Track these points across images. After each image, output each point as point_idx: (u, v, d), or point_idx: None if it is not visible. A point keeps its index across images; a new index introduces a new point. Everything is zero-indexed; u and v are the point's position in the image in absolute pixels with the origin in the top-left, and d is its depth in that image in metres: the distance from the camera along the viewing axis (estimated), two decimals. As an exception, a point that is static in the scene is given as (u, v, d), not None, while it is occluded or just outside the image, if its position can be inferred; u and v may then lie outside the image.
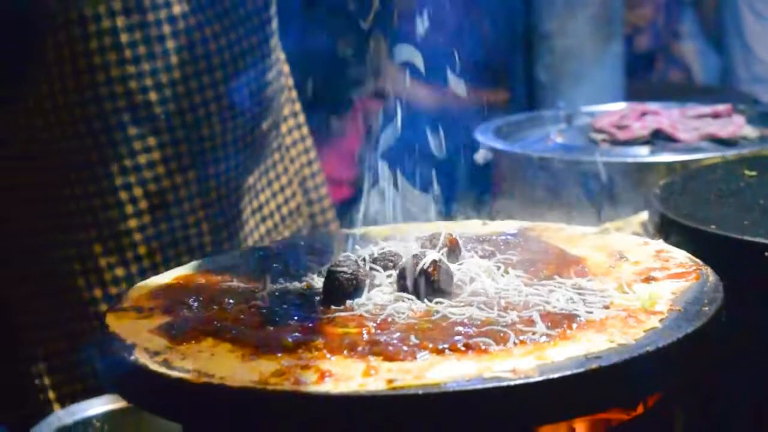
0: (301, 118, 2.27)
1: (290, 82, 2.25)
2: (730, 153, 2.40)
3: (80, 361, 2.02)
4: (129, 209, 1.98)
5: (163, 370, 1.23)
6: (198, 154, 2.01)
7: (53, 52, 1.90)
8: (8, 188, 2.00)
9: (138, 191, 1.98)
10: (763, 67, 6.17)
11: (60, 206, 1.96)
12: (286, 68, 2.25)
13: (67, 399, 1.94)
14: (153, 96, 1.95)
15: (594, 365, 1.17)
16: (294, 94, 2.27)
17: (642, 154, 2.51)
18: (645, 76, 6.27)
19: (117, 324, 1.39)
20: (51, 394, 2.02)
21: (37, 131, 1.94)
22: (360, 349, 1.24)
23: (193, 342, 1.31)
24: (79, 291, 2.00)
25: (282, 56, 2.23)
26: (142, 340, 1.33)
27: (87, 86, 1.92)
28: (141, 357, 1.27)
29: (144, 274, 1.98)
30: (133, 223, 1.99)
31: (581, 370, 1.16)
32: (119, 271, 2.00)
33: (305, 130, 2.28)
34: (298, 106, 2.27)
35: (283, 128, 2.22)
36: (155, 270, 1.98)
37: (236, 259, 1.64)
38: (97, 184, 1.96)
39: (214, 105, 2.01)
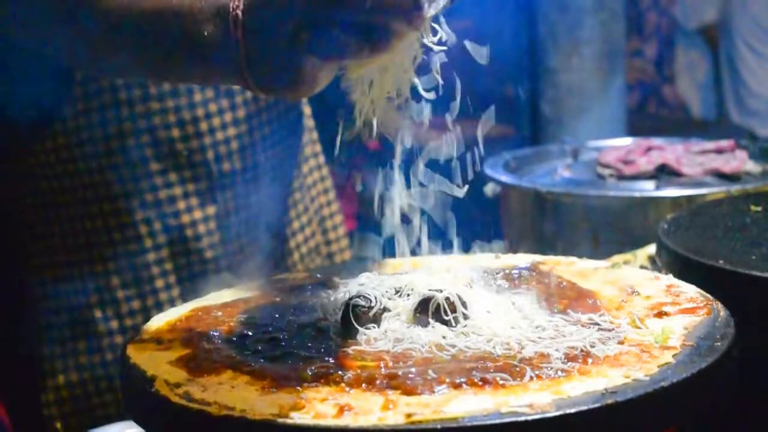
0: (321, 158, 2.26)
1: (311, 123, 2.24)
2: (735, 188, 2.40)
3: (89, 393, 2.01)
4: (148, 243, 1.97)
5: (184, 402, 1.22)
6: (218, 190, 2.00)
7: (80, 88, 1.89)
8: (29, 224, 1.99)
9: (157, 225, 1.97)
10: (759, 101, 6.19)
11: (79, 239, 1.96)
12: (307, 110, 2.24)
13: (74, 430, 1.92)
14: (175, 133, 1.95)
15: (610, 400, 1.15)
16: (315, 135, 2.26)
17: (648, 188, 2.51)
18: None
19: (137, 355, 1.38)
20: (58, 425, 2.01)
21: (62, 165, 1.93)
22: (378, 382, 1.23)
23: (213, 374, 1.30)
24: (96, 323, 1.99)
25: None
26: (163, 371, 1.32)
27: (112, 121, 1.91)
28: (162, 389, 1.26)
29: (160, 307, 1.97)
30: (151, 256, 1.98)
31: (597, 405, 1.15)
32: (136, 304, 1.99)
33: (325, 170, 2.28)
34: (318, 147, 2.26)
35: (304, 168, 2.21)
36: (172, 303, 1.97)
37: (254, 291, 1.62)
38: (117, 217, 1.96)
39: (235, 142, 2.00)
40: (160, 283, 1.99)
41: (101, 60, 1.54)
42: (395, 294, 1.45)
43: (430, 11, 1.29)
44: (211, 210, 2.00)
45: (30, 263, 1.99)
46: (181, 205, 1.97)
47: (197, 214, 1.99)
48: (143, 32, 1.46)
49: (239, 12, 1.35)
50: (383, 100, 1.39)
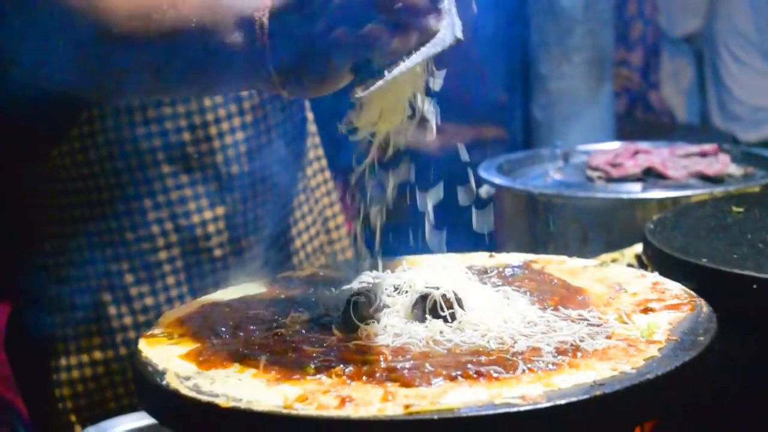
0: (324, 161, 2.27)
1: (314, 128, 2.25)
2: (718, 190, 2.40)
3: (103, 386, 2.01)
4: (160, 242, 1.98)
5: (193, 394, 1.23)
6: (227, 191, 2.01)
7: None
8: (43, 224, 1.99)
9: (169, 226, 1.97)
10: (741, 107, 6.19)
11: (93, 239, 1.96)
12: (310, 115, 2.25)
13: (88, 423, 1.93)
14: (186, 136, 1.95)
15: (598, 392, 1.16)
16: (318, 139, 2.27)
17: (635, 190, 2.51)
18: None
19: (149, 349, 1.39)
20: (73, 418, 2.01)
21: (76, 168, 1.94)
22: (378, 375, 1.24)
23: (221, 367, 1.31)
24: (110, 319, 1.99)
25: (307, 103, 2.23)
26: (173, 365, 1.33)
27: (125, 125, 1.91)
28: (172, 382, 1.27)
29: (172, 304, 1.97)
30: (163, 255, 1.98)
31: (586, 396, 1.16)
32: (148, 301, 1.99)
33: (327, 173, 2.28)
34: (321, 151, 2.27)
35: (308, 171, 2.22)
36: (182, 300, 1.98)
37: (260, 288, 1.63)
38: (130, 217, 1.96)
39: (243, 146, 2.01)
40: (171, 280, 2.00)
41: (124, 84, 1.57)
42: (394, 291, 1.46)
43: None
44: (220, 210, 2.00)
45: (45, 262, 1.99)
46: (192, 206, 1.98)
47: (207, 215, 1.99)
48: (165, 52, 1.48)
49: (265, 20, 1.38)
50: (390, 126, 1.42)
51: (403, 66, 1.33)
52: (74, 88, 1.65)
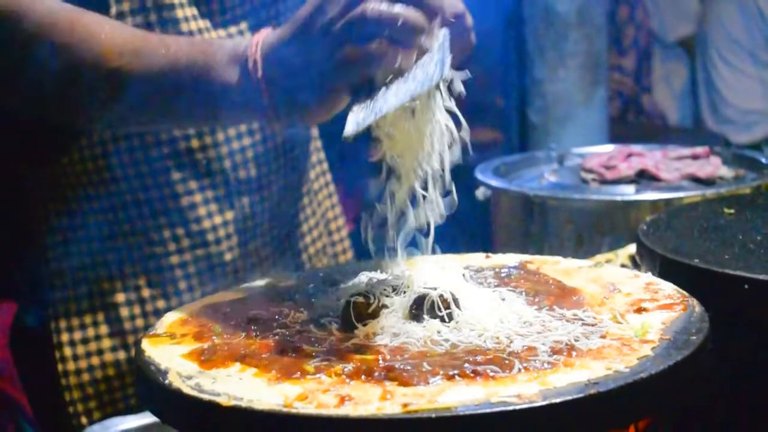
0: (325, 165, 2.27)
1: (315, 132, 2.25)
2: (709, 192, 2.39)
3: (113, 388, 2.01)
4: (171, 247, 1.98)
5: (195, 393, 1.22)
6: (235, 196, 2.01)
7: None
8: (53, 229, 1.99)
9: (180, 231, 1.97)
10: (732, 110, 6.19)
11: (106, 244, 1.96)
12: None
13: (97, 423, 1.92)
14: (195, 143, 1.95)
15: (593, 391, 1.16)
16: (319, 143, 2.27)
17: (628, 192, 2.50)
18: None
19: (152, 349, 1.38)
20: (83, 420, 2.01)
21: (87, 175, 1.94)
22: (376, 374, 1.23)
23: (223, 367, 1.30)
24: (121, 321, 1.99)
25: None
26: (175, 364, 1.32)
27: (135, 133, 1.91)
28: (175, 381, 1.27)
29: None
30: (174, 259, 1.98)
31: (581, 395, 1.15)
32: (160, 303, 1.99)
33: (329, 176, 2.28)
34: (322, 155, 2.27)
35: (311, 174, 2.22)
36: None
37: (261, 289, 1.63)
38: (142, 222, 1.96)
39: (250, 151, 2.00)
40: (182, 284, 2.00)
41: (125, 120, 1.59)
42: (392, 291, 1.45)
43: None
44: (229, 215, 2.00)
45: (56, 265, 1.99)
46: (202, 211, 1.98)
47: (217, 220, 1.99)
48: (154, 90, 1.49)
49: (258, 56, 1.39)
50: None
51: (392, 104, 1.32)
52: (63, 117, 1.67)
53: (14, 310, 2.13)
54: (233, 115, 1.53)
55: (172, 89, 1.50)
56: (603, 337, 1.32)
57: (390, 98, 1.33)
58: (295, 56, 1.39)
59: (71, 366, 1.99)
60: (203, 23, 1.91)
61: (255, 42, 1.44)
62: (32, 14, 1.59)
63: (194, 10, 1.90)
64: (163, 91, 1.51)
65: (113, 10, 1.82)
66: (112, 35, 1.56)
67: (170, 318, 1.50)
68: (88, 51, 1.56)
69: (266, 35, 1.46)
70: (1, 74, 1.68)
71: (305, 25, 1.39)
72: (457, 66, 1.40)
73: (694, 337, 1.30)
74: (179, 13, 1.87)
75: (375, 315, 1.39)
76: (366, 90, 1.36)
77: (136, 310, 1.98)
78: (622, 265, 1.95)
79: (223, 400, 1.19)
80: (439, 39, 1.38)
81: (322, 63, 1.37)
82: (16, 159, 1.97)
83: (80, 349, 1.99)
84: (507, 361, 1.24)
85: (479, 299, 1.44)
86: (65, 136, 1.92)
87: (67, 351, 1.99)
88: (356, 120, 1.33)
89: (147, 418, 1.75)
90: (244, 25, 1.97)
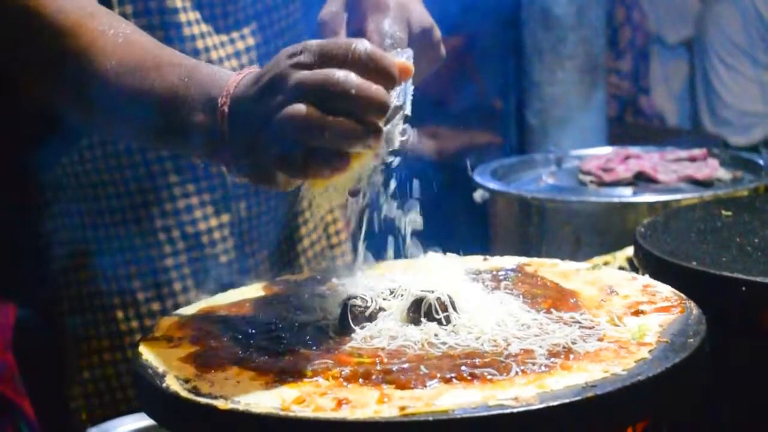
0: None
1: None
2: (707, 194, 2.40)
3: (113, 387, 2.01)
4: (167, 249, 1.98)
5: (192, 396, 1.22)
6: (232, 199, 2.00)
7: None
8: (52, 230, 1.99)
9: (175, 233, 1.97)
10: (730, 112, 6.20)
11: (102, 246, 1.96)
12: None
13: (99, 422, 1.92)
14: None
15: (590, 393, 1.16)
16: None
17: (626, 194, 2.51)
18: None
19: (149, 352, 1.38)
20: (84, 419, 2.01)
21: (87, 176, 1.94)
22: (374, 377, 1.23)
23: (220, 370, 1.30)
24: (117, 323, 1.99)
25: None
26: (173, 368, 1.32)
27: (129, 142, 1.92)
28: (172, 384, 1.26)
29: (178, 309, 1.97)
30: (170, 262, 1.98)
31: (578, 398, 1.15)
32: (155, 306, 1.99)
33: None
34: None
35: None
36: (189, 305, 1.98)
37: (258, 292, 1.63)
38: (138, 224, 1.96)
39: None
40: (178, 286, 1.99)
41: (110, 130, 1.64)
42: (390, 294, 1.45)
43: (388, 128, 1.30)
44: (225, 218, 2.00)
45: (53, 266, 1.99)
46: (198, 214, 1.98)
47: (213, 222, 1.99)
48: (141, 113, 1.50)
49: (225, 108, 1.37)
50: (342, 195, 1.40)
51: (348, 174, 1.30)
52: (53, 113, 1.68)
53: (14, 311, 2.13)
54: (196, 155, 1.51)
55: (152, 116, 1.48)
56: (600, 339, 1.32)
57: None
58: (246, 125, 1.34)
59: (72, 365, 1.99)
60: (206, 27, 1.91)
61: (227, 89, 1.39)
62: (43, 15, 1.59)
63: (197, 15, 1.90)
64: (144, 116, 1.50)
65: (116, 11, 1.82)
66: (113, 47, 1.56)
67: (167, 321, 1.50)
68: (86, 61, 1.56)
69: (241, 80, 1.40)
70: (4, 70, 1.67)
71: (254, 99, 1.34)
72: (426, 79, 1.39)
73: (691, 340, 1.30)
74: (182, 18, 1.87)
75: (372, 318, 1.39)
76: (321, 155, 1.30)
77: (131, 312, 1.98)
78: (620, 268, 1.95)
79: (221, 404, 1.19)
80: (397, 91, 1.33)
81: (262, 147, 1.31)
82: (16, 159, 1.97)
83: (80, 349, 1.99)
84: (504, 364, 1.24)
85: (477, 302, 1.43)
86: (65, 138, 1.92)
87: (69, 350, 1.99)
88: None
89: (146, 420, 1.74)
90: (246, 30, 1.97)
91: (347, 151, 1.28)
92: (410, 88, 1.35)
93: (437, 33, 1.48)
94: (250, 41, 1.97)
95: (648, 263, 1.73)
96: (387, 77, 1.28)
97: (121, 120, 1.55)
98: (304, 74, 1.28)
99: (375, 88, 1.26)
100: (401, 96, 1.34)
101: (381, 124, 1.28)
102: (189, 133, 1.43)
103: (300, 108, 1.26)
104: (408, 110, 1.33)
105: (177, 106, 1.44)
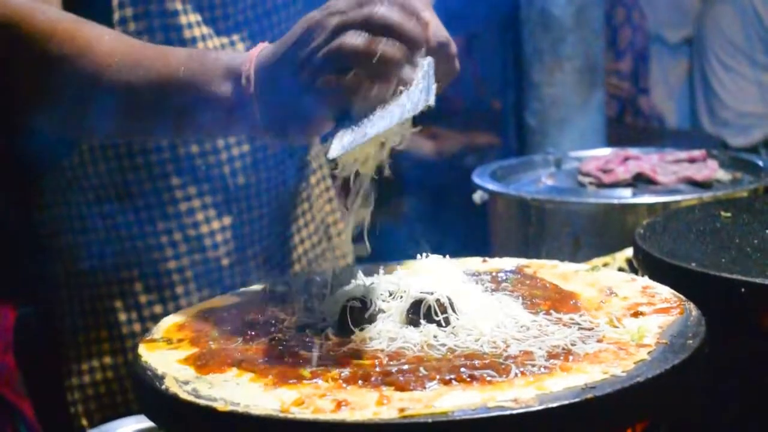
0: (326, 170, 2.27)
1: (316, 138, 2.25)
2: (706, 195, 2.39)
3: (113, 391, 2.01)
4: (169, 252, 1.98)
5: (191, 398, 1.22)
6: (233, 202, 2.01)
7: None
8: (54, 233, 1.99)
9: (177, 236, 1.98)
10: (729, 113, 6.20)
11: (105, 248, 1.96)
12: None
13: (99, 424, 1.92)
14: (194, 149, 1.96)
15: (590, 395, 1.16)
16: (320, 148, 2.27)
17: (625, 195, 2.50)
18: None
19: (149, 354, 1.38)
20: (84, 421, 2.01)
21: (87, 180, 1.94)
22: (373, 379, 1.23)
23: (219, 372, 1.30)
24: (119, 326, 1.99)
25: None
26: (172, 369, 1.32)
27: (135, 138, 1.92)
28: (171, 386, 1.26)
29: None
30: (172, 264, 1.98)
31: (578, 399, 1.15)
32: (157, 308, 1.99)
33: (329, 181, 2.29)
34: (323, 160, 2.27)
35: (312, 180, 2.22)
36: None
37: (258, 294, 1.62)
38: (141, 227, 1.96)
39: (249, 157, 2.00)
40: (180, 289, 2.00)
41: (118, 129, 1.63)
42: (389, 296, 1.45)
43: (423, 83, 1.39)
44: (227, 220, 2.00)
45: (55, 268, 1.99)
46: (200, 216, 1.98)
47: (215, 225, 1.99)
48: (152, 100, 1.52)
49: (251, 72, 1.43)
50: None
51: (378, 128, 1.35)
52: (62, 128, 1.69)
53: (14, 314, 2.13)
54: (226, 127, 1.56)
55: (168, 100, 1.53)
56: (600, 341, 1.32)
57: (377, 122, 1.36)
58: (282, 78, 1.42)
59: (73, 367, 1.99)
60: (206, 29, 1.91)
61: (250, 58, 1.47)
62: (32, 24, 1.59)
63: (198, 17, 1.90)
64: (159, 102, 1.53)
65: (116, 15, 1.82)
66: (111, 47, 1.57)
67: (167, 323, 1.50)
68: (87, 63, 1.57)
69: (261, 51, 1.48)
70: (2, 84, 1.68)
71: (290, 50, 1.42)
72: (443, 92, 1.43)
73: (690, 341, 1.30)
74: (183, 20, 1.88)
75: (372, 320, 1.39)
76: (347, 117, 1.40)
77: (133, 315, 1.98)
78: (620, 269, 1.95)
79: (220, 406, 1.19)
80: (424, 67, 1.41)
81: (302, 89, 1.40)
82: (16, 161, 1.97)
83: (81, 351, 2.00)
84: (504, 366, 1.24)
85: (476, 303, 1.43)
86: (65, 140, 1.92)
87: (70, 353, 1.99)
88: (341, 143, 1.36)
89: (146, 422, 1.74)
90: (246, 33, 1.98)
91: (392, 76, 1.37)
92: (433, 85, 1.39)
93: (453, 47, 1.50)
94: (251, 44, 1.98)
95: (647, 264, 1.73)
96: (419, 18, 1.38)
97: (134, 113, 1.56)
98: (343, 17, 1.36)
99: (414, 23, 1.37)
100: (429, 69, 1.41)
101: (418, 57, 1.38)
102: (214, 108, 1.47)
103: (349, 37, 1.35)
104: (432, 101, 1.36)
105: (196, 83, 1.49)
